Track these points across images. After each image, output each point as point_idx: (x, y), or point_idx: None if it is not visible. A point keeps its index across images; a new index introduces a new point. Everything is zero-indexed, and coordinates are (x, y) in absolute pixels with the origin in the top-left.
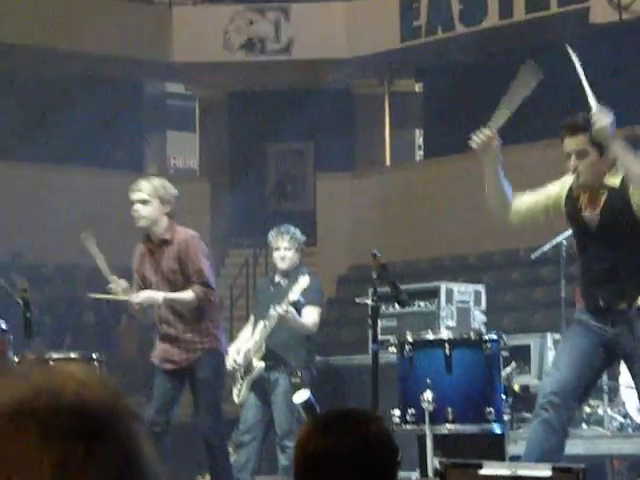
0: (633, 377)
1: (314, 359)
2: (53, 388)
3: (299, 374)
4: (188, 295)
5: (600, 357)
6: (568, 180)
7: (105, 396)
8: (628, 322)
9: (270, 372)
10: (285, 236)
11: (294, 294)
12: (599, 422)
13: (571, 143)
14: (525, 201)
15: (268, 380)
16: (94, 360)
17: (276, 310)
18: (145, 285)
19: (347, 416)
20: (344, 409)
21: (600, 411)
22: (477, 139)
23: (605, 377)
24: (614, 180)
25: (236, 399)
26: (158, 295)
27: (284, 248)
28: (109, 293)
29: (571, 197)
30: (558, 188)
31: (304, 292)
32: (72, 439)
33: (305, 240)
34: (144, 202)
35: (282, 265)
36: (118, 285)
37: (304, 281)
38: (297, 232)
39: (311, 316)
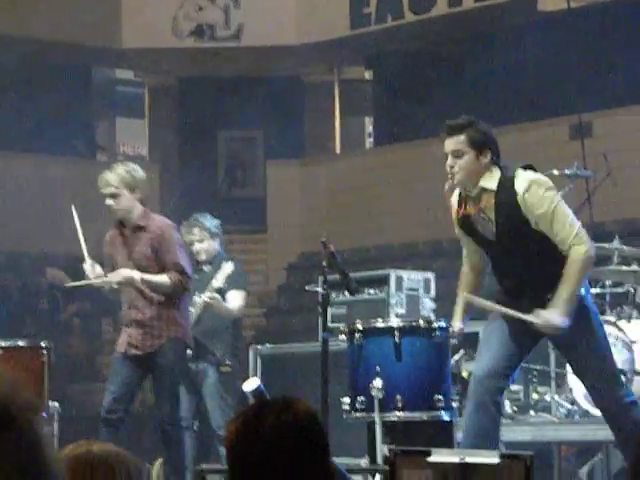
0: (566, 356)
1: (240, 344)
2: None
3: (228, 363)
4: (164, 279)
5: (527, 336)
6: (454, 201)
7: (5, 389)
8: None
9: (198, 362)
10: (194, 229)
11: (218, 281)
12: (547, 409)
13: (448, 144)
14: (472, 252)
15: (196, 370)
16: (43, 348)
17: (201, 297)
18: (114, 270)
19: (271, 403)
20: (266, 399)
21: (547, 398)
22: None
23: (553, 364)
24: (490, 183)
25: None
26: (136, 274)
27: (196, 241)
28: (83, 279)
29: (461, 215)
30: (454, 219)
31: (228, 278)
32: None
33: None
34: (114, 195)
35: (201, 257)
36: (93, 270)
37: (228, 267)
38: (206, 220)
39: (236, 300)
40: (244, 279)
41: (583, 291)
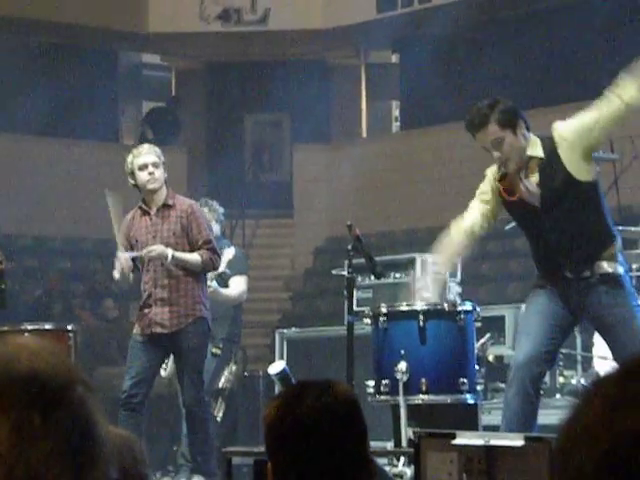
0: (603, 336)
1: (240, 330)
2: (6, 359)
3: (219, 346)
4: (195, 257)
5: (566, 319)
6: (492, 171)
7: (58, 366)
8: (590, 287)
9: None
10: (204, 208)
11: (220, 266)
12: (573, 392)
13: (482, 138)
14: (476, 214)
15: None
16: (69, 332)
17: None
18: (133, 251)
19: (311, 385)
20: (308, 380)
21: (574, 381)
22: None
23: (579, 348)
24: (536, 150)
25: (163, 373)
26: (168, 250)
27: None
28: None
29: (504, 185)
30: (488, 184)
31: (229, 263)
32: (27, 408)
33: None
34: (156, 165)
35: None
36: (125, 256)
37: (229, 252)
38: (214, 204)
39: (238, 286)
40: (245, 264)
41: (622, 270)
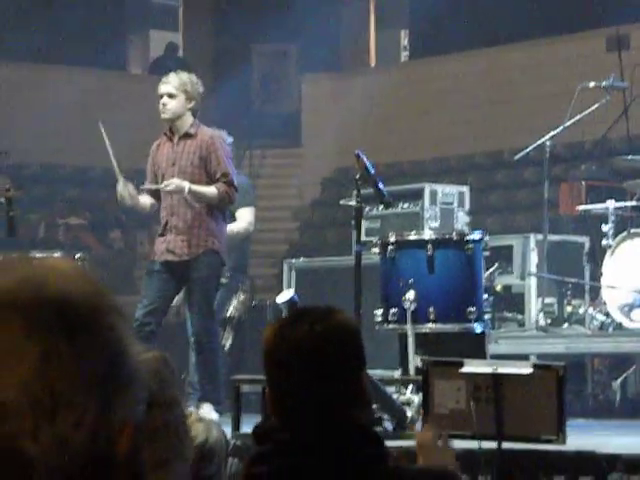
0: None
1: (247, 260)
2: (36, 280)
3: (227, 274)
4: (212, 190)
5: None
6: None
7: (88, 290)
8: None
9: None
10: None
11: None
12: (580, 321)
13: None
14: None
15: None
16: (78, 259)
17: None
18: (156, 178)
19: (309, 311)
20: (308, 307)
21: (581, 310)
22: None
23: (587, 277)
24: None
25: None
26: (185, 184)
27: None
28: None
29: None
30: None
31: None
32: (55, 332)
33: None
34: (171, 95)
35: None
36: (126, 189)
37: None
38: (223, 133)
39: (245, 217)
40: (253, 196)
41: None
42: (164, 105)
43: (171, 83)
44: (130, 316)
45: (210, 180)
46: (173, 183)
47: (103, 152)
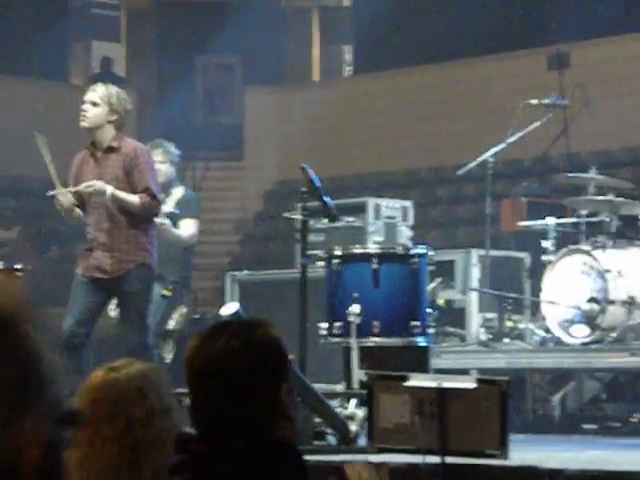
0: None
1: (190, 273)
2: None
3: (170, 288)
4: (134, 199)
5: None
6: None
7: (5, 300)
8: None
9: None
10: (158, 149)
11: (168, 206)
12: (521, 337)
13: None
14: None
15: None
16: (17, 271)
17: None
18: (80, 193)
19: (231, 324)
20: (230, 319)
21: (522, 326)
22: None
23: (527, 293)
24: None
25: (112, 313)
26: (107, 187)
27: (158, 162)
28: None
29: None
30: None
31: (180, 205)
32: None
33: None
34: (94, 104)
35: (159, 179)
36: (65, 198)
37: (178, 192)
38: (170, 146)
39: (188, 228)
40: (197, 207)
41: None
42: (84, 112)
43: (97, 92)
44: (59, 328)
45: (134, 193)
46: (95, 185)
47: (42, 164)
